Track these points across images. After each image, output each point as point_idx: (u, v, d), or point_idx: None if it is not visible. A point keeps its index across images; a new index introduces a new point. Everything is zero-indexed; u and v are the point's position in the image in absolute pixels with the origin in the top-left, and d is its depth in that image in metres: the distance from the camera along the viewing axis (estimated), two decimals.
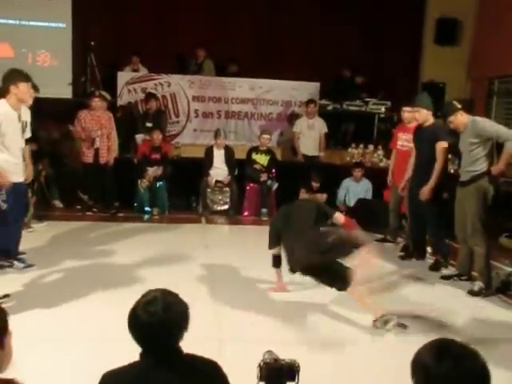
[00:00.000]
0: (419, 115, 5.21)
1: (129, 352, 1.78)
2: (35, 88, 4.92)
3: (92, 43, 8.28)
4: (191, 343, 1.84)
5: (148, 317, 1.72)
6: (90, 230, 6.24)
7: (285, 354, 1.80)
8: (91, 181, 7.08)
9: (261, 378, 1.71)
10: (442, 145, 5.07)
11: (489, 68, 8.63)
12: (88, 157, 6.97)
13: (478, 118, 4.70)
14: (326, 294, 4.33)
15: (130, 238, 6.01)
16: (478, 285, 4.63)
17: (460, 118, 4.63)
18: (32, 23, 8.50)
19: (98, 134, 6.91)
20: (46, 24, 8.56)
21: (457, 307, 4.34)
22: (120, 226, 6.53)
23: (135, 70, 8.80)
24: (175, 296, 1.85)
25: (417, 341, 1.64)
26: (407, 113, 5.84)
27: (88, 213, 7.03)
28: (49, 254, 5.17)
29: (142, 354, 1.76)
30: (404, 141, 5.94)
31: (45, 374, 2.86)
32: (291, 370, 1.70)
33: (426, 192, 5.09)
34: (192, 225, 6.91)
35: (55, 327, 3.55)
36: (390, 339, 3.58)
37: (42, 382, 2.72)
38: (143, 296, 1.82)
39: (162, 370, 1.73)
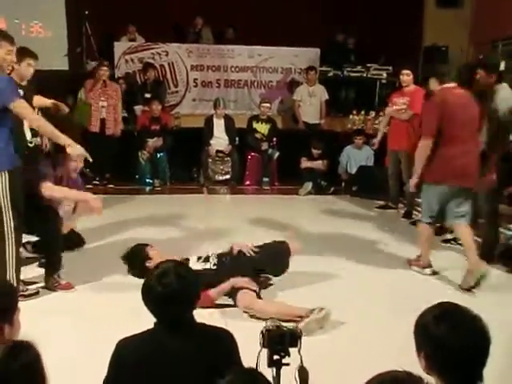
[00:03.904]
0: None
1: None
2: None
3: (86, 12, 8.13)
4: (195, 312, 1.88)
5: (162, 288, 1.78)
6: None
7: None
8: (95, 151, 7.00)
9: (264, 345, 1.72)
10: None
11: (492, 30, 8.44)
12: (94, 126, 6.95)
13: (505, 96, 4.31)
14: (328, 263, 4.37)
15: (132, 210, 6.01)
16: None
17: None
18: None
19: (104, 104, 6.89)
20: None
21: (456, 269, 4.37)
22: (122, 199, 6.52)
23: (132, 40, 8.66)
24: (186, 267, 1.94)
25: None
26: (406, 76, 5.79)
27: (88, 186, 7.00)
28: None
29: (156, 323, 1.82)
30: (401, 105, 5.85)
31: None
32: (293, 336, 1.71)
33: None
34: (194, 195, 6.91)
35: (69, 302, 3.57)
36: (390, 306, 3.61)
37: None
38: (155, 269, 1.88)
39: (176, 338, 1.79)
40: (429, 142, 3.97)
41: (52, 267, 3.77)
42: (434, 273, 4.22)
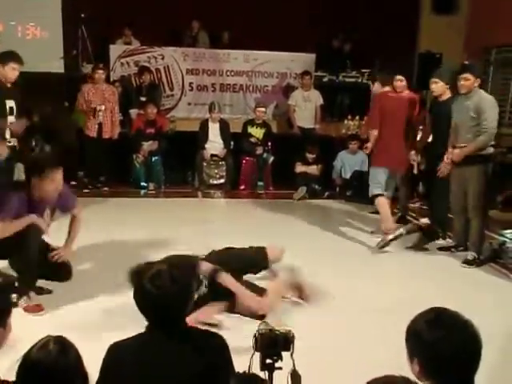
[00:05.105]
0: (435, 87, 5.12)
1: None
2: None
3: (83, 15, 8.12)
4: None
5: (155, 290, 1.75)
6: (86, 207, 6.16)
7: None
8: (92, 156, 7.01)
9: (256, 348, 1.72)
10: None
11: (486, 38, 8.51)
12: (91, 131, 6.95)
13: (487, 97, 4.60)
14: (321, 268, 4.38)
15: (127, 213, 6.00)
16: (471, 255, 4.71)
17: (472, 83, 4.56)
18: None
19: (102, 108, 6.88)
20: None
21: (451, 276, 4.41)
22: (116, 202, 6.52)
23: (127, 43, 8.66)
24: (179, 268, 1.88)
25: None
26: (399, 82, 5.85)
27: (85, 190, 6.98)
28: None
29: (148, 327, 1.80)
30: None
31: None
32: (286, 339, 1.71)
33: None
34: (188, 199, 6.91)
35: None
36: (379, 316, 3.62)
37: None
38: (148, 269, 1.84)
39: (168, 341, 1.76)
40: (375, 132, 5.23)
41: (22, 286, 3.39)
42: (400, 234, 5.02)
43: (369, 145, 5.48)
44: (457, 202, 4.84)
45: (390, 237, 4.95)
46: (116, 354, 1.79)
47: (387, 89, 5.40)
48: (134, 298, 1.80)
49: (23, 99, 4.98)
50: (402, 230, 5.05)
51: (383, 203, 5.14)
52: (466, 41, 9.20)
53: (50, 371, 1.46)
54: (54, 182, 3.32)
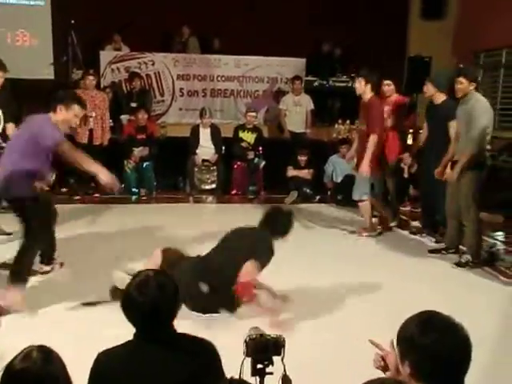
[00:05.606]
0: (426, 88, 5.27)
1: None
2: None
3: (72, 21, 8.10)
4: (179, 321, 1.86)
5: (142, 297, 1.74)
6: (77, 214, 6.17)
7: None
8: None
9: (247, 354, 1.71)
10: (454, 124, 4.91)
11: (474, 42, 8.58)
12: (82, 137, 6.92)
13: (481, 102, 4.60)
14: (311, 271, 4.39)
15: (118, 220, 5.96)
16: (465, 257, 4.73)
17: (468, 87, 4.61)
18: (10, 1, 8.27)
19: (92, 114, 6.86)
20: (25, 2, 8.33)
21: (442, 278, 4.43)
22: (108, 208, 6.48)
23: (117, 49, 8.65)
24: (166, 275, 1.89)
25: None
26: (387, 86, 5.89)
27: (75, 197, 6.94)
28: None
29: (135, 334, 1.79)
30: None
31: None
32: (277, 344, 1.71)
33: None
34: (180, 204, 6.90)
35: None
36: (368, 316, 3.62)
37: None
38: (135, 277, 1.85)
39: (156, 349, 1.75)
40: (376, 138, 5.26)
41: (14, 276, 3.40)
42: (380, 233, 5.69)
43: (352, 154, 5.67)
44: (450, 205, 4.86)
45: (365, 234, 5.61)
46: (104, 362, 1.77)
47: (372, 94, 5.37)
48: (122, 305, 1.79)
49: (12, 105, 4.95)
50: (373, 234, 5.65)
51: (367, 207, 5.59)
52: (455, 45, 9.28)
53: (35, 380, 1.44)
54: (75, 117, 3.62)
